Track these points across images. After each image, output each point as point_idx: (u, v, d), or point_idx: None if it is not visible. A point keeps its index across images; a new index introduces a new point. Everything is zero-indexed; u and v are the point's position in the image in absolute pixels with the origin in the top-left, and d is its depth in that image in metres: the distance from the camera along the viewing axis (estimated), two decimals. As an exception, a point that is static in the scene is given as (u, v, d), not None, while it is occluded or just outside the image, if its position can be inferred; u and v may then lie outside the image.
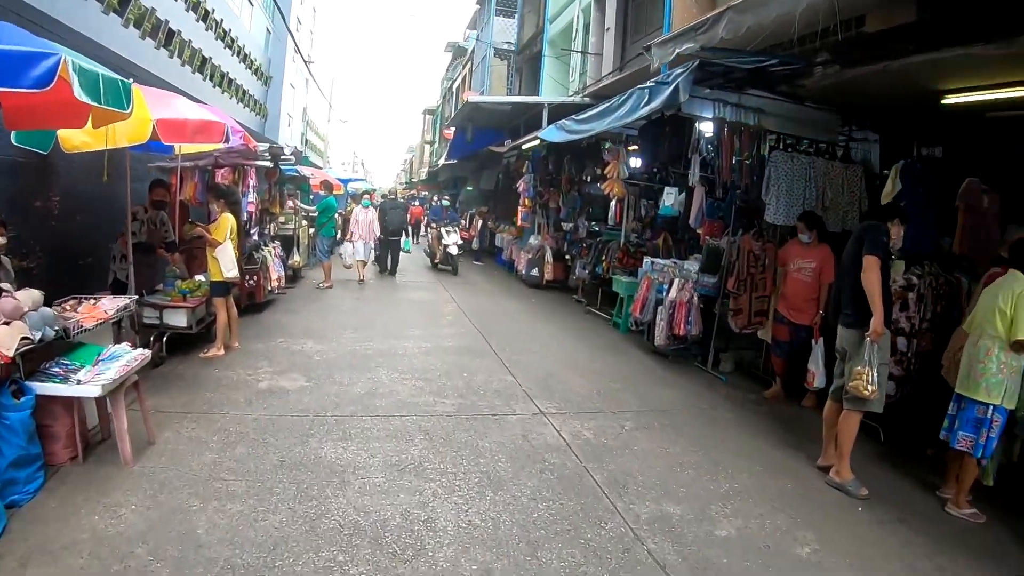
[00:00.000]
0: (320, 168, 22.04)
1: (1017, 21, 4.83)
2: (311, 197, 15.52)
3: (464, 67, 30.38)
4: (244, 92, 20.17)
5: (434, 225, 16.77)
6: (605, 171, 9.95)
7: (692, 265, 8.30)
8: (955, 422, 4.59)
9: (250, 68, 21.12)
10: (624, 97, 8.01)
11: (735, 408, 6.56)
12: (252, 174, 9.36)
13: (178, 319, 6.63)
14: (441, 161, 23.85)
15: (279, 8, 23.24)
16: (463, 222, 19.91)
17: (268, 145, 9.78)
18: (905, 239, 5.70)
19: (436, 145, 38.72)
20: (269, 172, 10.34)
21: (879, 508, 4.49)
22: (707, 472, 4.86)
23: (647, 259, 9.20)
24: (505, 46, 22.30)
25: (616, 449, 5.17)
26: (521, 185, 14.47)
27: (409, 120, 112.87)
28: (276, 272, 9.89)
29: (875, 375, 4.68)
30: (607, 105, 8.52)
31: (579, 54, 16.49)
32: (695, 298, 7.91)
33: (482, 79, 23.06)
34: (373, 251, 13.89)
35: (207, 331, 7.15)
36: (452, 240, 15.31)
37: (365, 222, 13.12)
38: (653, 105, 7.17)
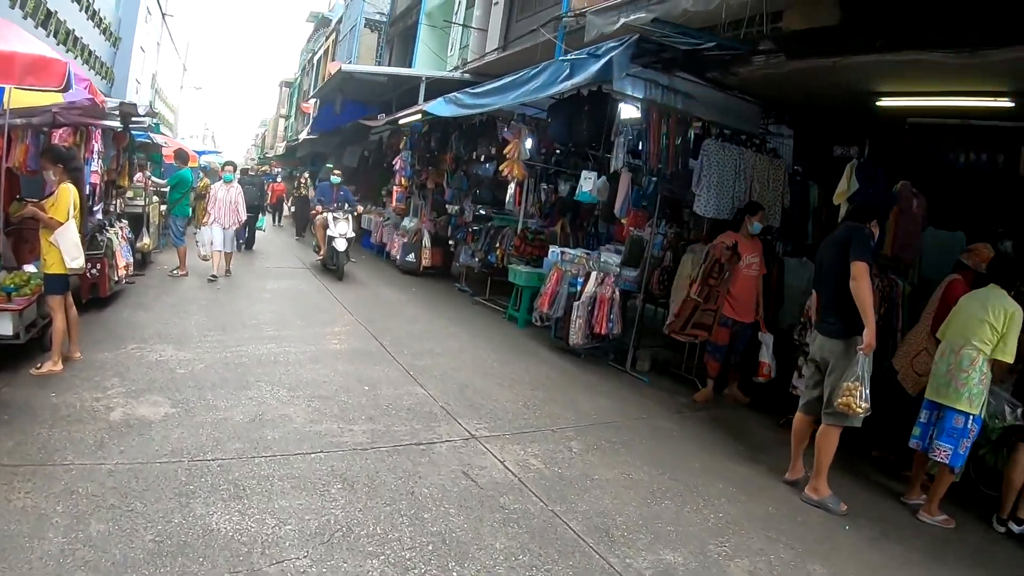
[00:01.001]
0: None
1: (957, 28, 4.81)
2: (161, 169, 13.17)
3: (328, 38, 28.01)
4: (91, 53, 16.84)
5: (319, 209, 11.91)
6: (504, 151, 8.86)
7: (610, 257, 7.50)
8: (930, 431, 4.43)
9: (99, 26, 17.80)
10: (535, 70, 7.08)
11: (674, 416, 5.98)
12: (98, 137, 7.10)
13: (1, 325, 4.86)
14: (302, 135, 21.62)
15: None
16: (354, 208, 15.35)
17: (118, 102, 7.60)
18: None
19: (292, 119, 35.71)
20: (118, 136, 8.19)
21: (861, 524, 4.26)
22: (685, 501, 4.19)
23: (554, 248, 8.31)
24: (377, 16, 20.52)
25: (576, 481, 4.25)
26: (397, 163, 13.00)
27: (263, 92, 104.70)
28: (124, 258, 7.77)
29: (867, 390, 4.25)
30: (512, 78, 7.54)
31: (460, 28, 15.30)
32: (617, 294, 7.09)
33: (349, 50, 21.11)
34: (235, 240, 10.92)
35: (40, 339, 5.34)
36: (340, 231, 10.99)
37: (226, 202, 10.10)
38: (577, 80, 6.30)
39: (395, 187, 13.44)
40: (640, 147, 7.08)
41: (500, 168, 8.95)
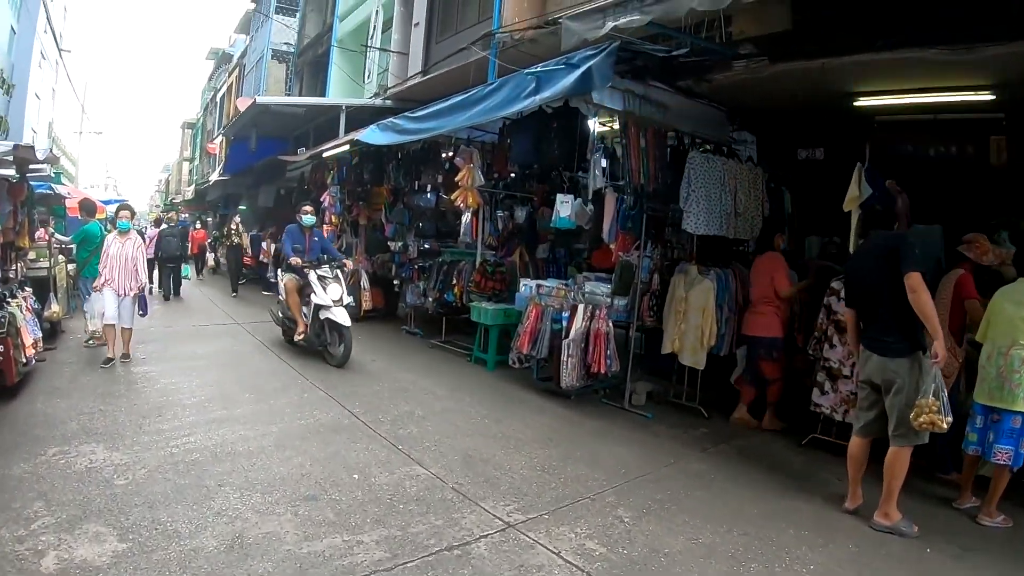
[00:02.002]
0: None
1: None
2: (64, 224, 11.40)
3: (231, 74, 26.22)
4: (-18, 102, 14.82)
5: (293, 262, 7.90)
6: (457, 178, 7.90)
7: (596, 287, 6.66)
8: (987, 435, 4.27)
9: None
10: (491, 87, 6.36)
11: (701, 456, 5.40)
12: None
13: None
14: (213, 176, 19.87)
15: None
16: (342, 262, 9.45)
17: (12, 144, 6.03)
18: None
19: (197, 162, 33.43)
20: (14, 188, 6.71)
21: (937, 542, 4.00)
22: (770, 560, 3.64)
23: (527, 281, 7.47)
24: (284, 47, 19.12)
25: (649, 562, 3.53)
26: (326, 200, 11.77)
27: (165, 135, 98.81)
28: (30, 334, 6.22)
29: (947, 404, 3.92)
30: (461, 97, 6.77)
31: (378, 52, 14.26)
32: (611, 327, 6.27)
33: (256, 84, 19.60)
34: (136, 309, 7.49)
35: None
36: (332, 296, 7.59)
37: (121, 258, 7.18)
38: (548, 94, 5.57)
39: (325, 226, 12.17)
40: (614, 165, 6.39)
41: (452, 197, 7.99)
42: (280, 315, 8.77)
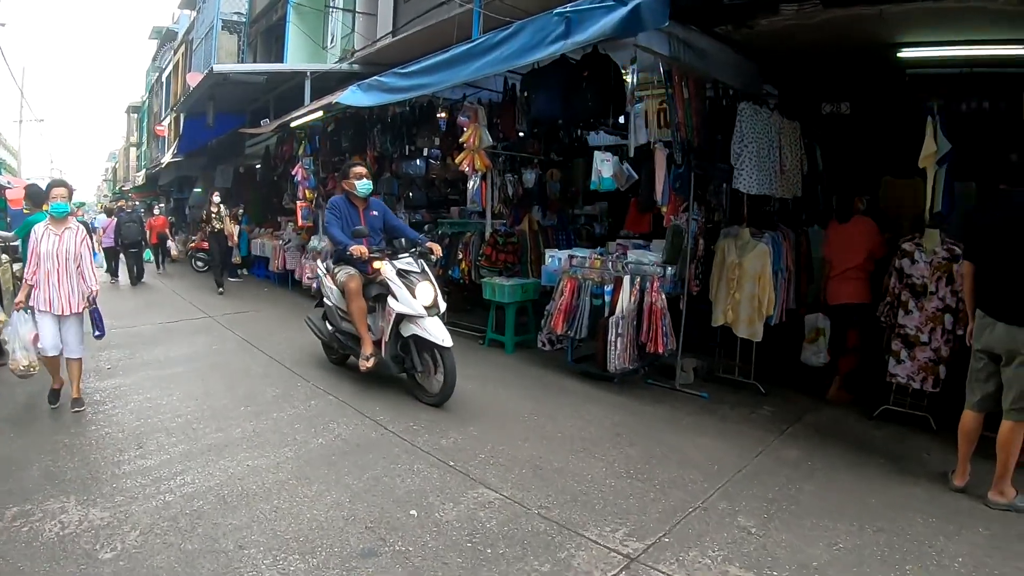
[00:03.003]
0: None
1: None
2: (8, 220, 9.87)
3: (176, 51, 24.09)
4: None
5: (355, 251, 5.19)
6: (462, 139, 6.78)
7: (643, 256, 5.71)
8: None
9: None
10: (505, 32, 5.23)
11: (788, 440, 4.69)
12: None
13: None
14: (166, 158, 18.11)
15: None
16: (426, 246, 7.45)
17: None
18: (944, 203, 4.97)
19: (145, 147, 31.08)
20: None
21: None
22: (920, 559, 3.10)
23: (553, 253, 6.47)
24: (235, 17, 17.36)
25: None
26: (298, 173, 10.45)
27: (110, 121, 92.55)
28: None
29: None
30: (467, 47, 5.67)
31: (342, 13, 12.88)
32: (665, 300, 5.35)
33: (206, 58, 17.76)
34: (83, 328, 5.05)
35: None
36: (424, 300, 5.08)
37: (57, 259, 4.78)
38: (580, 38, 4.57)
39: (298, 202, 10.88)
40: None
41: (457, 160, 6.86)
42: (330, 329, 5.88)
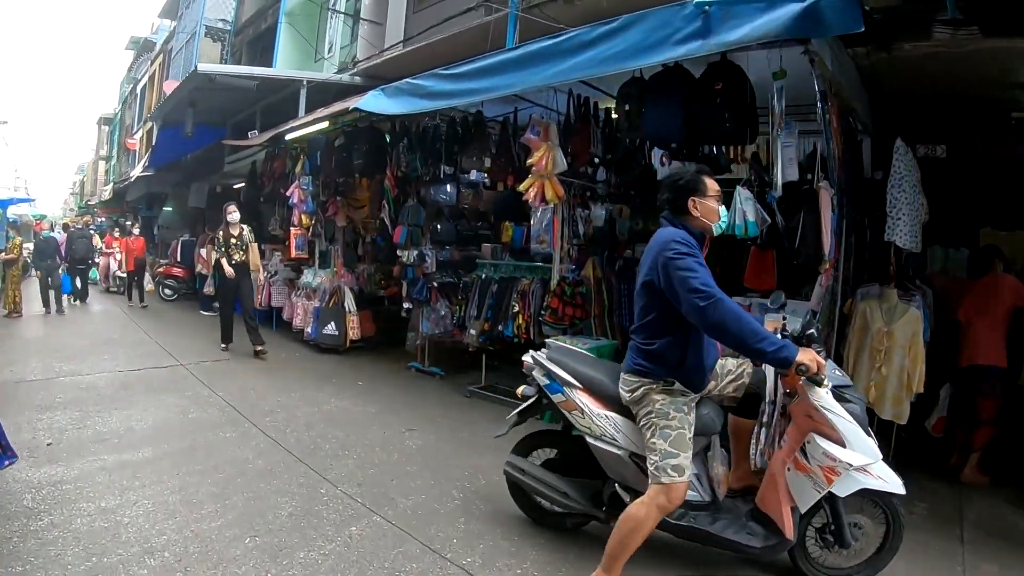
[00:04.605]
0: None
1: None
2: None
3: (153, 62, 22.12)
4: None
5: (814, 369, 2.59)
6: (530, 160, 5.23)
7: (791, 322, 4.26)
8: None
9: None
10: (608, 26, 3.87)
11: (975, 550, 3.53)
12: None
13: None
14: (135, 172, 16.12)
15: None
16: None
17: None
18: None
19: (115, 160, 28.73)
20: None
21: None
22: None
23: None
24: (220, 24, 15.59)
25: None
26: (294, 195, 8.72)
27: (80, 134, 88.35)
28: None
29: None
30: (547, 43, 4.26)
31: (342, 22, 11.30)
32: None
33: (186, 66, 15.96)
34: None
35: None
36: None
37: None
38: (729, 38, 3.31)
39: (292, 228, 9.15)
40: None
41: (522, 187, 5.28)
42: (570, 492, 3.31)
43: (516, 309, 5.73)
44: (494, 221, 8.03)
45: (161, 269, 13.62)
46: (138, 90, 24.89)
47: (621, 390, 2.98)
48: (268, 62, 13.50)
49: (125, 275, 13.71)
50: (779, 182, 4.04)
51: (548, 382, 3.25)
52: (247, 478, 4.05)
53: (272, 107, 10.35)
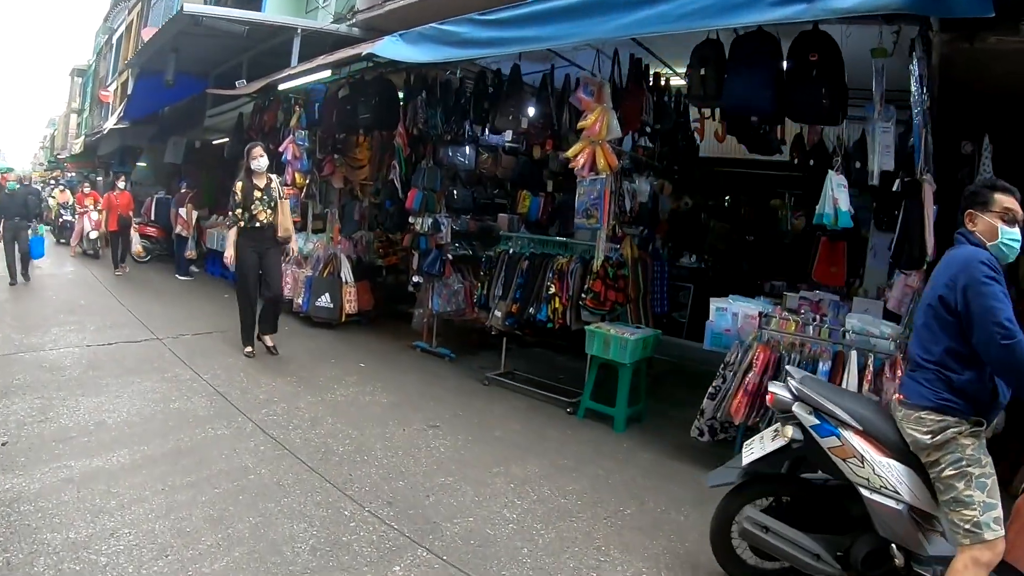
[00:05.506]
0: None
1: None
2: None
3: (132, 11, 20.49)
4: None
5: None
6: (581, 123, 4.40)
7: (876, 323, 3.71)
8: None
9: None
10: None
11: None
12: None
13: None
14: (108, 124, 14.85)
15: None
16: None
17: None
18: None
19: (87, 114, 26.92)
20: None
21: None
22: None
23: (720, 302, 4.18)
24: (207, -30, 14.29)
25: None
26: (288, 151, 7.71)
27: (52, 86, 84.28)
28: None
29: None
30: None
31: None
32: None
33: (166, 13, 14.66)
34: None
35: None
36: None
37: None
38: (845, 3, 2.73)
39: (286, 188, 8.20)
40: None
41: (568, 154, 4.47)
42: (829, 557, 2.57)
43: (552, 291, 4.94)
44: (511, 190, 7.20)
45: (134, 228, 12.48)
46: (114, 40, 23.14)
47: (912, 431, 2.37)
48: (256, 9, 12.35)
49: (97, 236, 12.41)
50: (876, 171, 3.36)
51: (818, 422, 2.53)
52: (250, 495, 3.25)
53: (259, 59, 9.27)
